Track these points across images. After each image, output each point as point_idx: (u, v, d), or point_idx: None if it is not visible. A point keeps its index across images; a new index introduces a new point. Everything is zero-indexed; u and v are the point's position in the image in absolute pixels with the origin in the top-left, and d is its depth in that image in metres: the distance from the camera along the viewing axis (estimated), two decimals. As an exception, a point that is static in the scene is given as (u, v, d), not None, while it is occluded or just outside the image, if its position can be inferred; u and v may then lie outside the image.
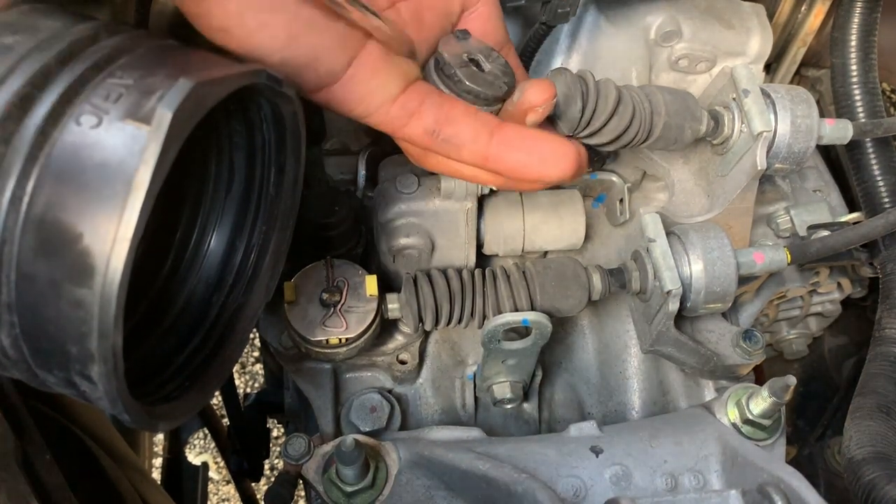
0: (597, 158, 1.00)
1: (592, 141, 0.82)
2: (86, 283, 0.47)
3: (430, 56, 0.72)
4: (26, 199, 0.48)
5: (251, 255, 0.74)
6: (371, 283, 0.87)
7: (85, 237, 0.47)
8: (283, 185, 0.72)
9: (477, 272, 0.89)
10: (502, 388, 0.96)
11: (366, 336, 0.86)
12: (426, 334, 1.00)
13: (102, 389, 0.51)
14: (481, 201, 0.93)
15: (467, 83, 0.69)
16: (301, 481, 0.87)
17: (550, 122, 0.78)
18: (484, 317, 0.88)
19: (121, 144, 0.48)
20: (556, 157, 0.71)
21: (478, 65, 0.71)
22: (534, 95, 0.71)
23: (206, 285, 0.73)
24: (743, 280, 0.90)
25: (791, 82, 1.24)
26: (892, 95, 2.57)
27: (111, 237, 0.47)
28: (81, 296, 0.47)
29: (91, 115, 0.49)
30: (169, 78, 0.50)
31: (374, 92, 0.66)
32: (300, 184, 0.73)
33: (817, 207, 1.07)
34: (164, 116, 0.47)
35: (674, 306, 0.84)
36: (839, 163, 1.25)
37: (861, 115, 1.05)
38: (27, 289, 0.49)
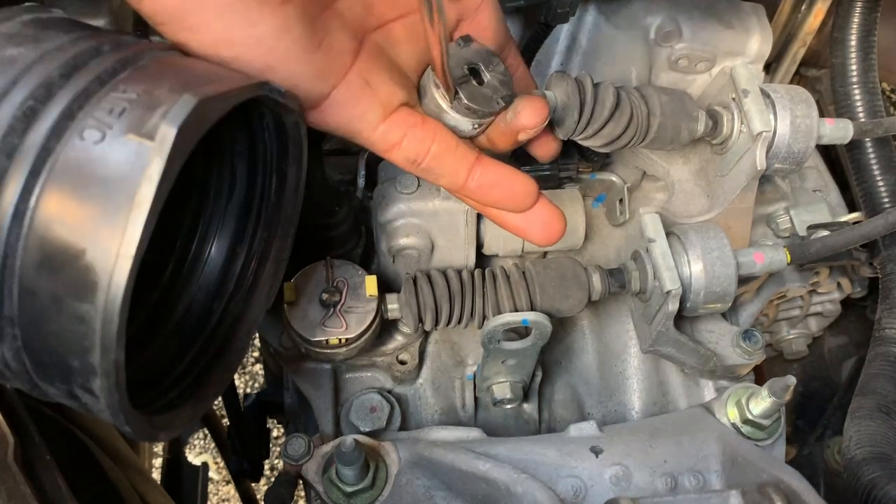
0: (596, 159, 1.00)
1: (587, 143, 0.82)
2: (88, 299, 0.47)
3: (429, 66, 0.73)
4: (29, 213, 0.48)
5: (252, 262, 0.74)
6: (371, 284, 0.87)
7: (87, 253, 0.47)
8: (285, 193, 0.72)
9: (477, 272, 0.89)
10: (502, 389, 0.96)
11: (366, 336, 0.86)
12: (426, 334, 1.00)
13: (104, 402, 0.51)
14: (481, 201, 0.93)
15: (465, 101, 0.70)
16: (301, 482, 0.87)
17: (548, 126, 0.78)
18: (484, 317, 0.88)
19: (124, 160, 0.47)
20: (524, 195, 0.77)
21: (477, 75, 0.71)
22: (526, 119, 0.74)
23: (206, 293, 0.73)
24: (743, 280, 0.90)
25: (791, 82, 1.24)
26: (892, 95, 2.57)
27: (114, 253, 0.47)
28: (84, 311, 0.47)
29: (94, 129, 0.49)
30: (173, 92, 0.50)
31: (354, 120, 0.69)
32: (301, 191, 0.73)
33: (817, 207, 1.07)
34: (168, 132, 0.47)
35: (673, 306, 0.84)
36: (839, 163, 1.25)
37: (861, 114, 1.05)
38: (29, 303, 0.49)
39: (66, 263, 0.47)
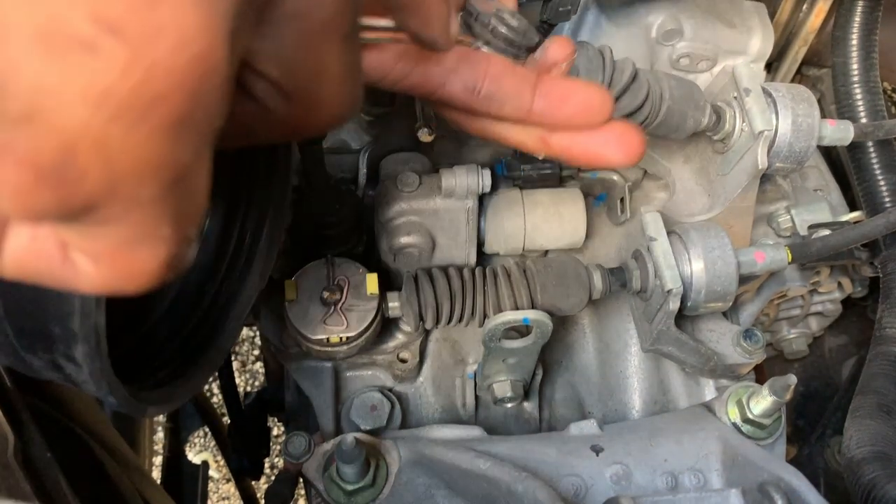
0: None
1: None
2: None
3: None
4: None
5: (245, 242, 0.74)
6: (372, 282, 0.87)
7: None
8: (276, 171, 0.72)
9: (477, 271, 0.89)
10: (503, 387, 0.96)
11: (366, 334, 0.86)
12: (427, 333, 0.99)
13: (87, 370, 0.51)
14: (482, 200, 0.93)
15: (503, 30, 0.69)
16: (301, 480, 0.87)
17: None
18: (484, 315, 0.88)
19: None
20: (600, 103, 0.67)
21: (506, 20, 0.71)
22: (555, 52, 0.68)
23: (199, 273, 0.73)
24: (743, 279, 0.90)
25: (792, 81, 1.23)
26: (894, 94, 2.56)
27: None
28: None
29: None
30: None
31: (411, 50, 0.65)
32: (291, 167, 0.73)
33: (818, 207, 1.07)
34: None
35: (674, 305, 0.84)
36: (840, 162, 1.25)
37: (862, 114, 1.05)
38: None
39: None
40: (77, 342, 0.49)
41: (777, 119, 0.87)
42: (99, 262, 0.35)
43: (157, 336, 0.68)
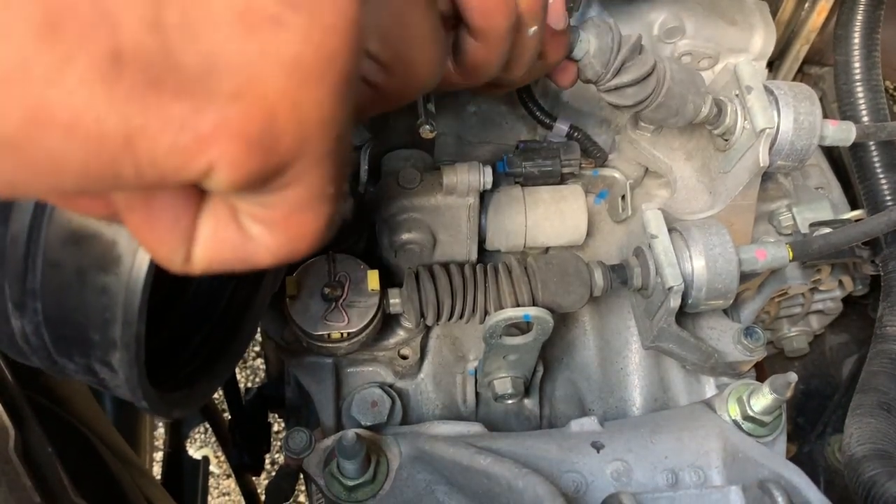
0: (599, 154, 1.00)
1: (614, 82, 0.80)
2: (112, 271, 0.47)
3: None
4: None
5: None
6: (373, 278, 0.87)
7: (113, 225, 0.47)
8: None
9: (478, 267, 0.89)
10: (503, 384, 0.96)
11: (367, 331, 0.86)
12: (427, 329, 1.00)
13: (123, 377, 0.51)
14: (483, 197, 0.93)
15: None
16: (302, 475, 0.87)
17: (580, 64, 0.78)
18: (485, 312, 0.88)
19: None
20: None
21: None
22: None
23: (215, 275, 0.74)
24: (744, 277, 0.90)
25: (794, 80, 1.23)
26: (895, 93, 2.56)
27: None
28: (107, 283, 0.48)
29: None
30: None
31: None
32: None
33: (819, 205, 1.07)
34: None
35: (675, 303, 0.84)
36: (841, 160, 1.25)
37: (864, 113, 1.05)
38: (53, 276, 0.49)
39: (92, 236, 0.47)
40: (116, 349, 0.50)
41: (779, 117, 0.87)
42: (274, 229, 0.39)
43: (174, 340, 0.69)
